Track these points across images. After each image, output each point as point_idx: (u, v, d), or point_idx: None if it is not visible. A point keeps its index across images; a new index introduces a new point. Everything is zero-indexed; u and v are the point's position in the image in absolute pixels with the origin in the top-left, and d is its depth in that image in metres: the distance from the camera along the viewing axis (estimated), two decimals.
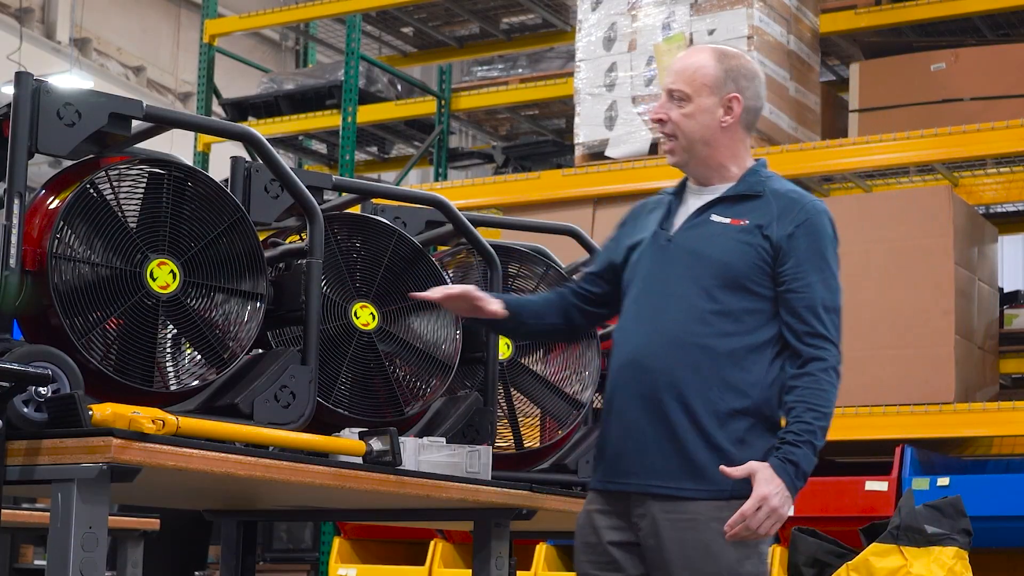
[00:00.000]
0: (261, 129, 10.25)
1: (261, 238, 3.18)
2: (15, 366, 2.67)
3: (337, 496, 3.37)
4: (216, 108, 10.93)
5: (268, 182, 3.27)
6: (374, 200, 3.83)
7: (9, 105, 2.86)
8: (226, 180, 3.24)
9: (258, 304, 3.11)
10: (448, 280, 3.60)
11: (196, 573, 8.17)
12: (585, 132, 7.87)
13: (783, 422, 3.08)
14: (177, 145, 8.26)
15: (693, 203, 3.24)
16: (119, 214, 2.92)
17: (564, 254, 4.12)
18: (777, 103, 7.35)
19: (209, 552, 8.47)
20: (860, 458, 6.88)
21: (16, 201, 2.79)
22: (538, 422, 3.99)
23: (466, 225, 3.68)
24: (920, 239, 6.73)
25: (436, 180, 11.19)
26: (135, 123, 3.01)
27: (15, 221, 2.78)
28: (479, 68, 11.21)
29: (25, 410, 2.72)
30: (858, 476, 6.35)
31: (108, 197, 2.92)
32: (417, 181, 16.08)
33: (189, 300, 3.00)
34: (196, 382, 3.04)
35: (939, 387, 6.58)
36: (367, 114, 10.50)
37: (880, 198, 7.38)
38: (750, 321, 3.10)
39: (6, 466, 2.67)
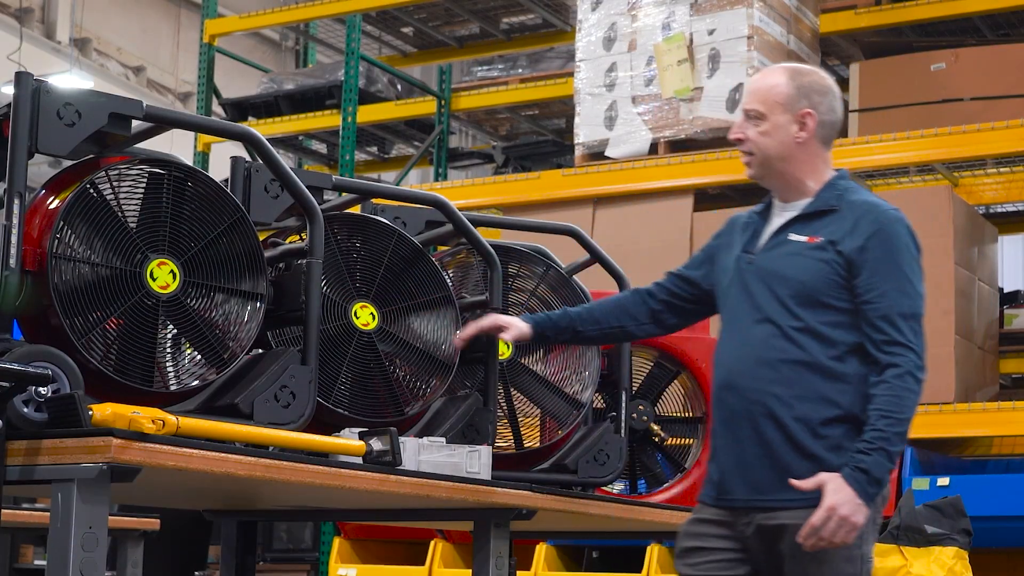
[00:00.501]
0: (261, 129, 10.25)
1: (261, 238, 3.18)
2: (15, 366, 2.67)
3: (337, 496, 3.37)
4: (216, 108, 10.93)
5: (268, 182, 3.26)
6: (374, 200, 3.83)
7: (9, 105, 2.86)
8: (226, 180, 3.24)
9: (258, 304, 3.10)
10: (448, 280, 3.61)
11: (196, 573, 8.17)
12: (585, 132, 7.87)
13: None
14: (177, 145, 8.26)
15: (776, 222, 3.35)
16: (119, 214, 2.92)
17: (564, 254, 4.12)
18: None
19: (209, 552, 8.47)
20: None
21: (16, 201, 2.79)
22: (538, 422, 3.99)
23: (466, 225, 3.68)
24: (920, 239, 6.72)
25: (436, 180, 11.19)
26: (135, 123, 3.01)
27: (15, 221, 2.78)
28: (479, 68, 11.21)
29: (25, 410, 2.72)
30: None
31: (108, 197, 2.92)
32: (417, 181, 16.07)
33: (189, 300, 3.00)
34: (196, 382, 3.04)
35: (939, 387, 6.58)
36: (367, 114, 10.50)
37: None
38: (834, 333, 3.20)
39: (6, 466, 2.67)
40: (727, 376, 3.29)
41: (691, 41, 7.50)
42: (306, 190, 3.22)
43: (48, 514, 2.62)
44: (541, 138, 11.46)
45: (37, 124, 2.84)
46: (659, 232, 7.53)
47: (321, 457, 3.10)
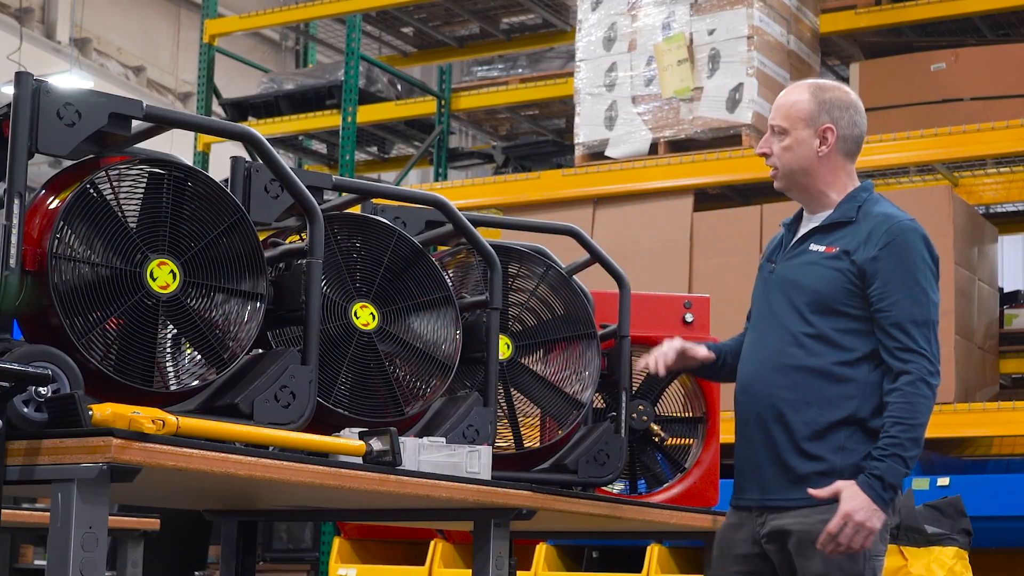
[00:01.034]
0: (261, 129, 10.25)
1: (261, 238, 3.18)
2: (15, 366, 2.66)
3: (337, 496, 3.37)
4: (216, 108, 10.93)
5: (268, 182, 3.26)
6: (374, 200, 3.83)
7: (9, 105, 2.86)
8: (226, 180, 3.23)
9: (258, 304, 3.10)
10: (448, 280, 3.61)
11: (196, 573, 8.17)
12: (585, 132, 7.87)
13: None
14: (177, 145, 8.26)
15: (800, 233, 3.51)
16: (119, 214, 2.92)
17: (564, 254, 4.12)
18: None
19: (209, 552, 8.47)
20: None
21: (16, 201, 2.79)
22: (538, 422, 3.99)
23: (466, 225, 3.68)
24: None
25: (436, 180, 11.19)
26: (135, 123, 3.01)
27: (15, 221, 2.78)
28: (479, 68, 11.22)
29: (25, 410, 2.72)
30: None
31: (108, 197, 2.92)
32: (417, 181, 16.08)
33: (189, 300, 3.00)
34: (196, 382, 3.04)
35: (939, 387, 6.58)
36: (367, 114, 10.50)
37: None
38: (846, 340, 3.34)
39: (6, 466, 2.67)
40: (745, 380, 3.47)
41: (691, 41, 7.51)
42: (306, 190, 3.22)
43: (48, 514, 2.62)
44: (541, 138, 11.46)
45: (37, 124, 2.84)
46: (659, 232, 7.54)
47: (321, 457, 3.09)
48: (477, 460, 3.41)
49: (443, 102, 10.74)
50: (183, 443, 2.71)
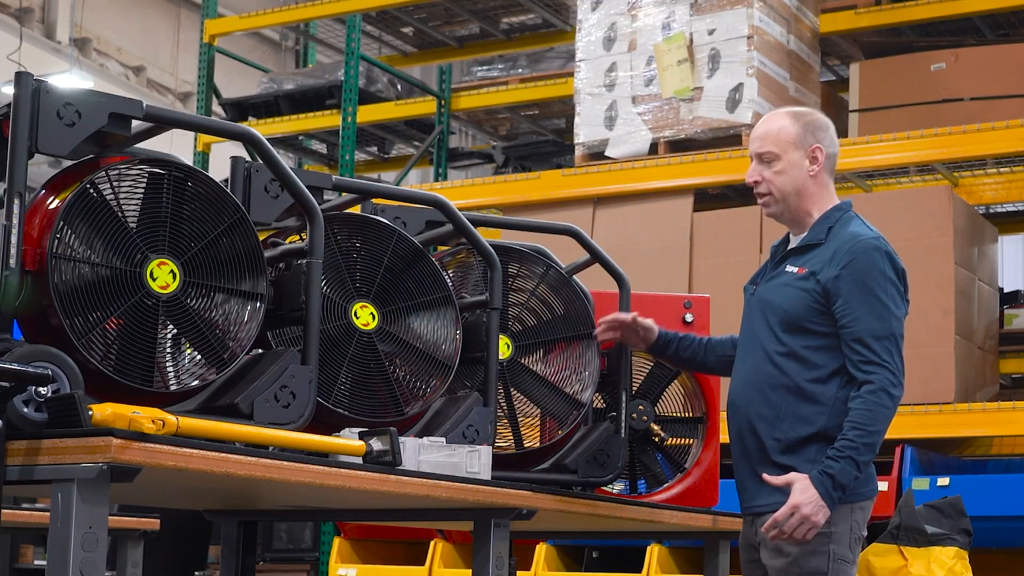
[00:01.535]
0: (261, 129, 10.25)
1: (261, 238, 3.18)
2: (15, 366, 2.66)
3: (337, 496, 3.37)
4: (216, 108, 10.93)
5: (268, 182, 3.26)
6: (374, 200, 3.83)
7: (9, 105, 2.86)
8: (226, 180, 3.23)
9: (258, 304, 3.10)
10: (448, 280, 3.61)
11: (196, 573, 8.18)
12: (585, 132, 7.87)
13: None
14: (177, 145, 8.26)
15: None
16: (119, 214, 2.92)
17: (564, 254, 4.12)
18: (777, 103, 7.35)
19: (209, 552, 8.47)
20: None
21: (16, 201, 2.79)
22: (538, 422, 3.99)
23: (466, 225, 3.68)
24: (920, 239, 6.72)
25: (436, 180, 11.19)
26: (135, 123, 3.01)
27: (15, 221, 2.78)
28: (479, 68, 11.21)
29: (25, 410, 2.72)
30: None
31: (108, 197, 2.92)
32: (417, 181, 16.08)
33: (189, 300, 3.00)
34: (196, 382, 3.04)
35: (939, 387, 6.59)
36: (367, 114, 10.50)
37: (880, 198, 7.38)
38: (816, 357, 3.52)
39: (6, 466, 2.67)
40: (731, 397, 3.68)
41: (691, 41, 7.50)
42: (306, 190, 3.22)
43: (48, 514, 2.62)
44: (541, 138, 11.46)
45: (37, 124, 2.84)
46: (659, 232, 7.53)
47: (321, 457, 3.09)
48: (477, 460, 3.41)
49: (443, 102, 10.74)
50: (183, 443, 2.71)
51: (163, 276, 2.95)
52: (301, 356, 3.13)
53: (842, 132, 7.96)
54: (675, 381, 4.39)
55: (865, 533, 3.58)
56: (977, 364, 7.02)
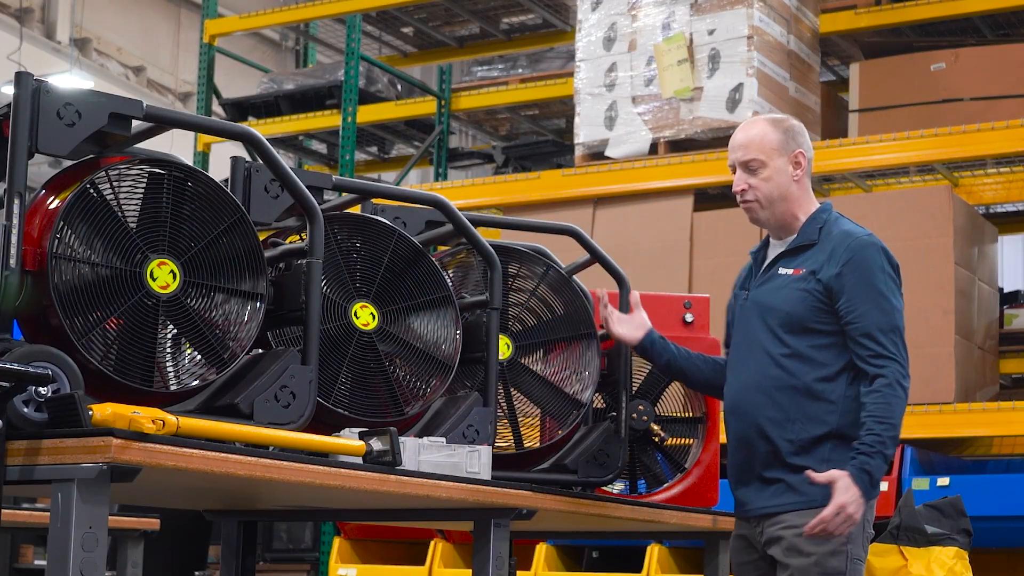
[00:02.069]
0: (261, 129, 10.25)
1: (261, 238, 3.18)
2: (15, 366, 2.66)
3: (337, 496, 3.37)
4: (216, 108, 10.93)
5: (268, 182, 3.26)
6: (374, 200, 3.83)
7: (9, 105, 2.86)
8: (226, 180, 3.24)
9: (258, 304, 3.10)
10: (448, 280, 3.61)
11: (196, 573, 8.18)
12: (585, 132, 7.86)
13: None
14: (177, 145, 8.25)
15: (771, 256, 3.71)
16: (119, 214, 2.92)
17: (564, 254, 4.12)
18: (777, 103, 7.35)
19: (209, 552, 8.47)
20: None
21: (16, 201, 2.79)
22: (538, 422, 3.99)
23: (466, 225, 3.68)
24: (920, 239, 6.73)
25: (436, 180, 11.19)
26: (135, 123, 3.01)
27: (15, 221, 2.78)
28: (479, 68, 11.21)
29: (25, 410, 2.72)
30: None
31: (108, 197, 2.92)
32: (417, 181, 16.08)
33: (189, 300, 3.00)
34: (196, 382, 3.04)
35: (939, 387, 6.59)
36: (367, 114, 10.50)
37: (880, 198, 7.38)
38: (822, 356, 3.54)
39: (6, 466, 2.67)
40: (731, 402, 3.68)
41: (691, 41, 7.50)
42: (306, 190, 3.22)
43: (48, 514, 2.62)
44: (541, 138, 11.45)
45: (37, 124, 2.84)
46: (659, 232, 7.54)
47: (321, 457, 3.09)
48: (477, 460, 3.41)
49: (443, 102, 10.73)
50: (183, 443, 2.71)
51: (163, 276, 2.95)
52: (301, 356, 3.13)
53: (842, 132, 7.99)
54: (675, 381, 4.39)
55: (873, 532, 3.59)
56: (977, 364, 7.02)
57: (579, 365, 3.94)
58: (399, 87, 11.12)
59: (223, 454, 2.79)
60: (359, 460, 3.14)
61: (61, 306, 2.82)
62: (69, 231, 2.86)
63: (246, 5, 13.37)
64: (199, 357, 3.05)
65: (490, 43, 10.88)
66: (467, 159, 12.39)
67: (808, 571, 3.47)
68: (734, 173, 3.67)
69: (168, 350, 3.01)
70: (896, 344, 3.50)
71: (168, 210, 2.98)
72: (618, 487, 4.41)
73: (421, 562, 7.45)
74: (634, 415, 4.22)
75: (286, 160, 5.76)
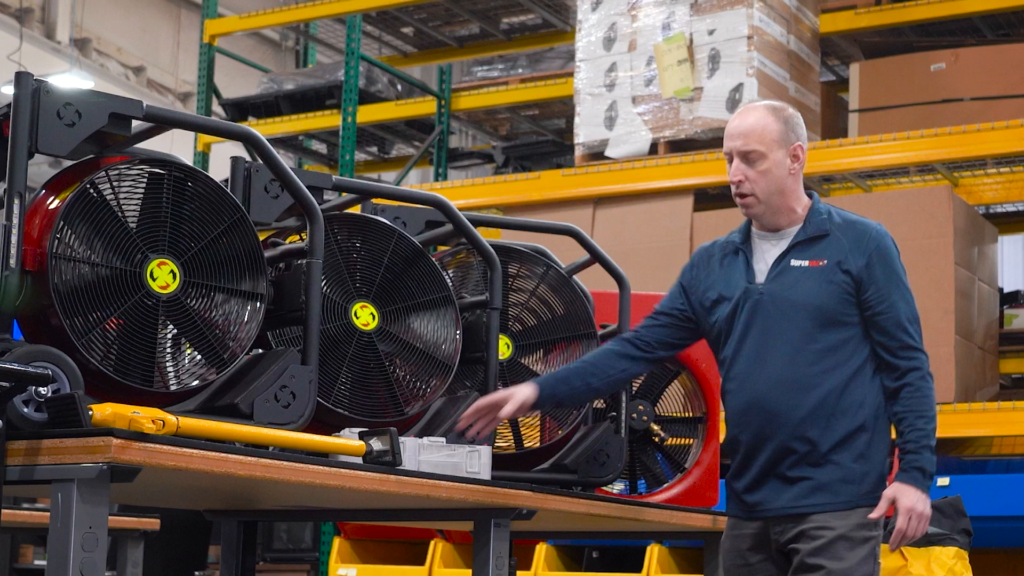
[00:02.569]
0: (261, 129, 10.25)
1: (261, 238, 3.18)
2: (15, 366, 2.66)
3: (337, 496, 3.37)
4: (216, 108, 10.93)
5: (268, 182, 3.26)
6: (374, 200, 3.83)
7: (9, 105, 2.86)
8: (226, 180, 3.24)
9: (258, 304, 3.10)
10: (448, 280, 3.61)
11: (196, 573, 8.17)
12: (585, 132, 7.87)
13: (892, 428, 3.50)
14: (177, 145, 8.26)
15: (768, 249, 3.56)
16: (119, 214, 2.92)
17: (564, 254, 4.12)
18: None
19: (209, 552, 8.47)
20: None
21: (16, 201, 2.79)
22: (538, 422, 3.99)
23: (466, 225, 3.68)
24: (920, 239, 6.73)
25: (436, 180, 11.19)
26: (135, 123, 3.01)
27: (15, 221, 2.78)
28: (479, 68, 11.21)
29: (25, 410, 2.72)
30: None
31: (108, 197, 2.92)
32: (417, 181, 16.08)
33: (189, 300, 3.00)
34: (196, 382, 3.04)
35: (939, 387, 6.55)
36: (367, 114, 10.50)
37: (880, 198, 7.38)
38: (847, 349, 3.46)
39: (6, 466, 2.67)
40: (755, 399, 3.47)
41: (691, 41, 7.51)
42: (306, 190, 3.22)
43: (48, 514, 2.62)
44: (541, 138, 11.46)
45: (37, 124, 2.84)
46: (659, 232, 7.54)
47: (321, 457, 3.09)
48: (477, 460, 3.41)
49: (443, 102, 10.74)
50: (183, 443, 2.71)
51: (163, 276, 2.95)
52: (301, 356, 3.13)
53: (842, 132, 8.00)
54: (675, 381, 4.40)
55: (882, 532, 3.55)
56: (977, 364, 7.02)
57: None
58: (399, 87, 11.13)
59: (223, 454, 2.79)
60: (359, 460, 3.14)
61: (61, 306, 2.82)
62: (69, 231, 2.86)
63: (246, 5, 13.38)
64: (199, 357, 3.05)
65: (490, 43, 10.88)
66: (467, 159, 12.40)
67: (851, 573, 3.37)
68: (730, 161, 3.53)
69: (168, 350, 3.01)
70: (920, 334, 3.48)
71: (168, 210, 2.98)
72: (618, 487, 4.41)
73: (421, 562, 7.46)
74: (634, 415, 4.22)
75: (286, 160, 5.76)
